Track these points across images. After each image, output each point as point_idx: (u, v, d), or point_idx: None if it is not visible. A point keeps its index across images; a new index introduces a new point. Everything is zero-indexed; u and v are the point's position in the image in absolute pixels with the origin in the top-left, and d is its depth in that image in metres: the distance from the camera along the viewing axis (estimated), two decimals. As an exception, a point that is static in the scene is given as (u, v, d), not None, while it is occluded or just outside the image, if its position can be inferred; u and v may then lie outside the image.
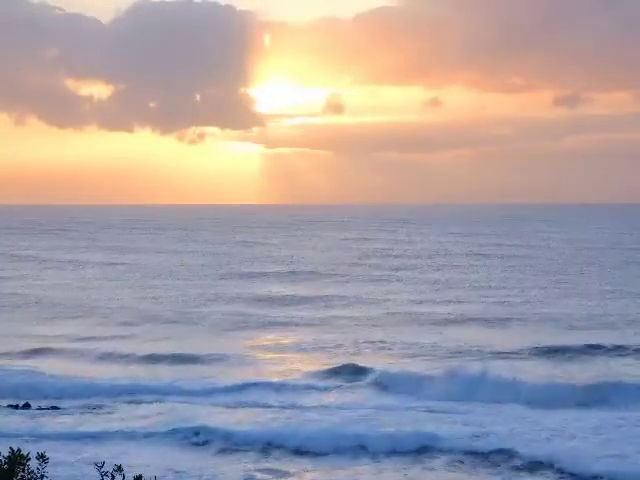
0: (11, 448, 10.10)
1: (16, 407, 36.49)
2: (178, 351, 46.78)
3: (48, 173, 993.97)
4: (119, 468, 10.11)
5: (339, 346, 48.37)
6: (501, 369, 41.20)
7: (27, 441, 28.88)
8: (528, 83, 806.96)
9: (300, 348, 48.61)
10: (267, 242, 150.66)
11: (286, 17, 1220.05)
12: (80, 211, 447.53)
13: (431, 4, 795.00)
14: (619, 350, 45.83)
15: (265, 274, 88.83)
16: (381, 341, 49.34)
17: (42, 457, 10.13)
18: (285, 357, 46.37)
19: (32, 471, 10.03)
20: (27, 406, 36.56)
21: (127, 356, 46.07)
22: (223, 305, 65.58)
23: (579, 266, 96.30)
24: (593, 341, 47.58)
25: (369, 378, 40.64)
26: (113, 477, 10.09)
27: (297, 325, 56.55)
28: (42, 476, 10.05)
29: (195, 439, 31.78)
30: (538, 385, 37.51)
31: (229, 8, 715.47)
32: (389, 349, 47.37)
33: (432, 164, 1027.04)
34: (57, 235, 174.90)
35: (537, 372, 40.57)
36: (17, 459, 9.95)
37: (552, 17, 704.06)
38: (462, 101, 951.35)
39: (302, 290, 74.85)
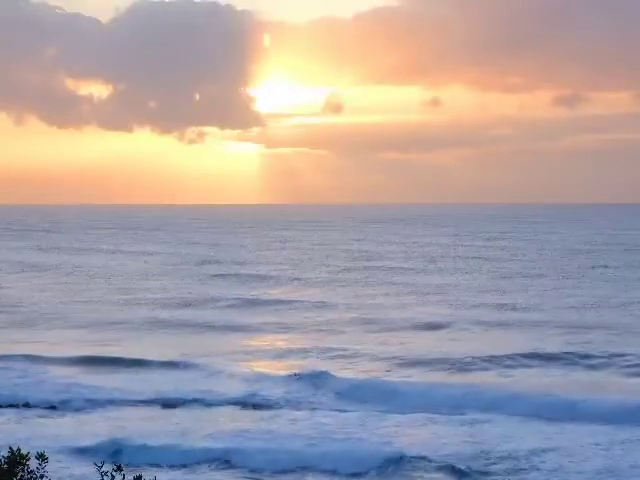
0: (10, 448, 10.05)
1: (17, 407, 36.51)
2: (137, 356, 45.06)
3: (47, 173, 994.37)
4: (119, 468, 10.07)
5: (305, 352, 46.28)
6: (480, 377, 40.12)
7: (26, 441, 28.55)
8: (528, 83, 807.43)
9: (264, 354, 46.47)
10: (252, 243, 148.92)
11: (286, 17, 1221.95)
12: (71, 211, 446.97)
13: (431, 4, 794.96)
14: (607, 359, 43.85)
15: (237, 276, 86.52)
16: (352, 348, 47.00)
17: (42, 457, 10.08)
18: (247, 364, 43.91)
19: (32, 471, 10.00)
20: (27, 405, 36.58)
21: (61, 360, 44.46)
22: (187, 309, 63.81)
23: (573, 268, 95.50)
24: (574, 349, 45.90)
25: (336, 387, 38.15)
26: (113, 477, 10.05)
27: (263, 330, 54.51)
28: (42, 476, 10.01)
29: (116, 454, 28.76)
30: (522, 395, 35.89)
31: (229, 8, 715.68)
32: (362, 356, 45.11)
33: (432, 164, 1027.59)
34: (24, 235, 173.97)
35: (520, 380, 39.23)
36: (17, 459, 9.92)
37: (552, 17, 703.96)
38: (462, 101, 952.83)
39: (274, 294, 72.89)
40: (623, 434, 31.43)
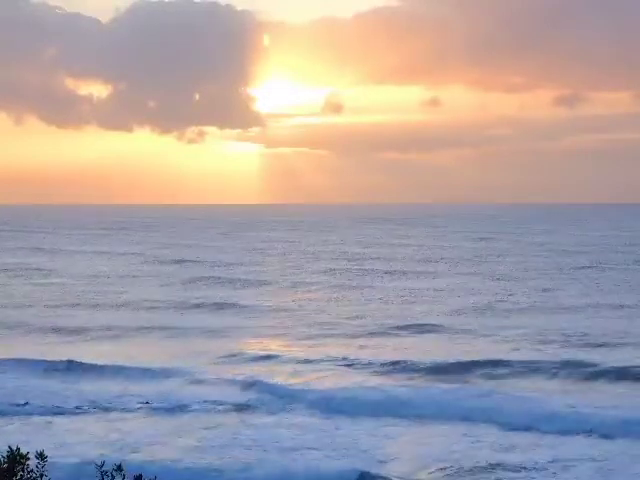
0: (10, 447, 10.01)
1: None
2: (116, 362, 42.76)
3: (47, 173, 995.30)
4: (119, 468, 10.04)
5: (286, 358, 44.02)
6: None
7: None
8: (528, 83, 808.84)
9: (241, 360, 43.73)
10: (244, 244, 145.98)
11: (286, 17, 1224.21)
12: (70, 211, 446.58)
13: (431, 4, 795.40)
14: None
15: (224, 279, 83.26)
16: (333, 353, 44.78)
17: (41, 456, 10.05)
18: (223, 369, 41.29)
19: (32, 470, 9.97)
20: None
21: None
22: (168, 312, 61.86)
23: (571, 270, 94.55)
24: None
25: (312, 395, 35.64)
26: (113, 477, 10.02)
27: (243, 334, 52.08)
28: (41, 475, 9.98)
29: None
30: (514, 402, 34.04)
31: (229, 8, 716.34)
32: (344, 362, 42.61)
33: (432, 164, 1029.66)
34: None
35: (514, 385, 37.67)
36: (16, 458, 9.88)
37: (552, 17, 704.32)
38: (462, 101, 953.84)
39: (260, 297, 70.23)
40: (621, 446, 29.84)
